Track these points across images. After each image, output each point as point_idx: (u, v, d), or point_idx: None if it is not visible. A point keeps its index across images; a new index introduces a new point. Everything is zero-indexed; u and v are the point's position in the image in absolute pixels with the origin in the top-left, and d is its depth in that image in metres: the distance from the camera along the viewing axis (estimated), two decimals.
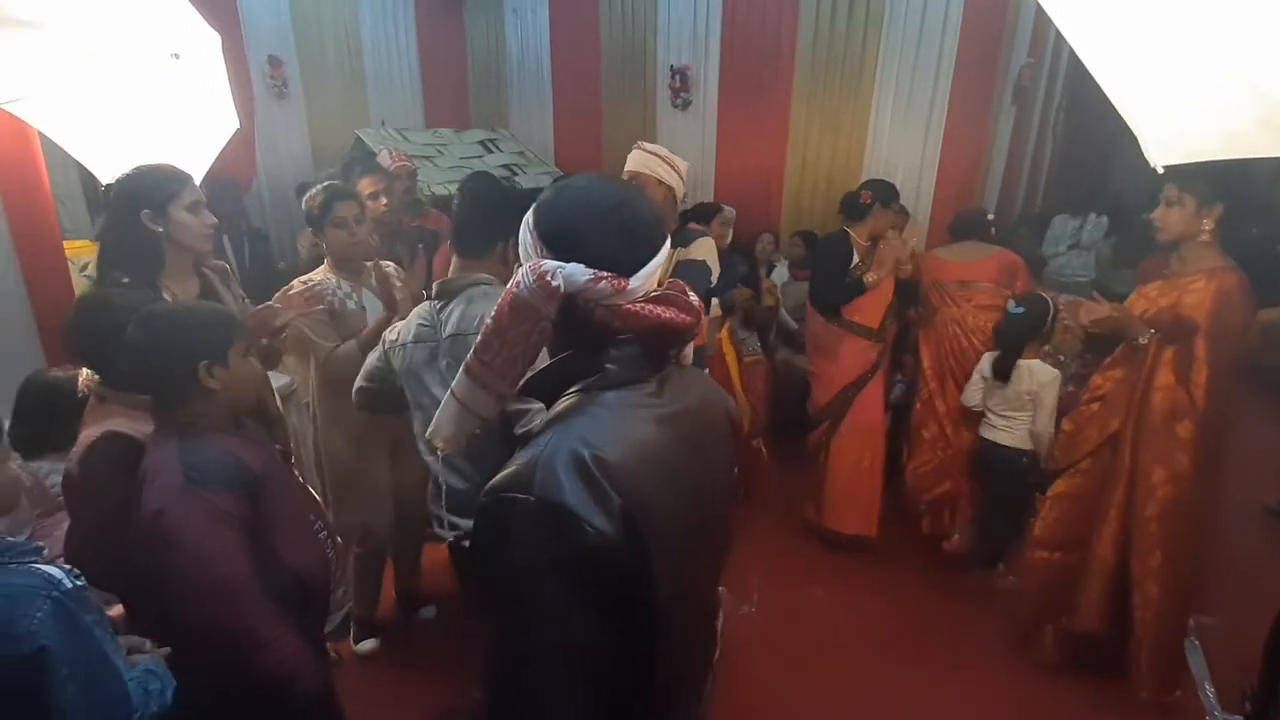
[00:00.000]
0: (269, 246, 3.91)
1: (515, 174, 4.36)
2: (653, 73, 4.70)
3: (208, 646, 1.05)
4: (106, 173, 1.86)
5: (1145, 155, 0.93)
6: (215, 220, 1.67)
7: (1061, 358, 3.15)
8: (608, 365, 0.75)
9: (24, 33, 1.65)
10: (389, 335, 1.56)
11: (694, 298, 0.78)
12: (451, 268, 1.52)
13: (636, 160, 2.06)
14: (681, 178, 2.09)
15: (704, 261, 2.09)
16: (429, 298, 1.86)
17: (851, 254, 2.72)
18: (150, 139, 1.88)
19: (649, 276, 0.76)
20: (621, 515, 0.65)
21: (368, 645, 2.27)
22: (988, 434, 2.60)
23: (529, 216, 0.76)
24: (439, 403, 1.40)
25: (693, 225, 2.24)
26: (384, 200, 2.49)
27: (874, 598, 2.59)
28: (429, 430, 0.81)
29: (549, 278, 0.68)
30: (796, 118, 4.27)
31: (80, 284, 2.25)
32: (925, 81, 3.77)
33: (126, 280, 1.53)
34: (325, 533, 1.35)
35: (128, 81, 1.77)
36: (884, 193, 2.76)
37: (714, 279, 2.13)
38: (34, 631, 0.84)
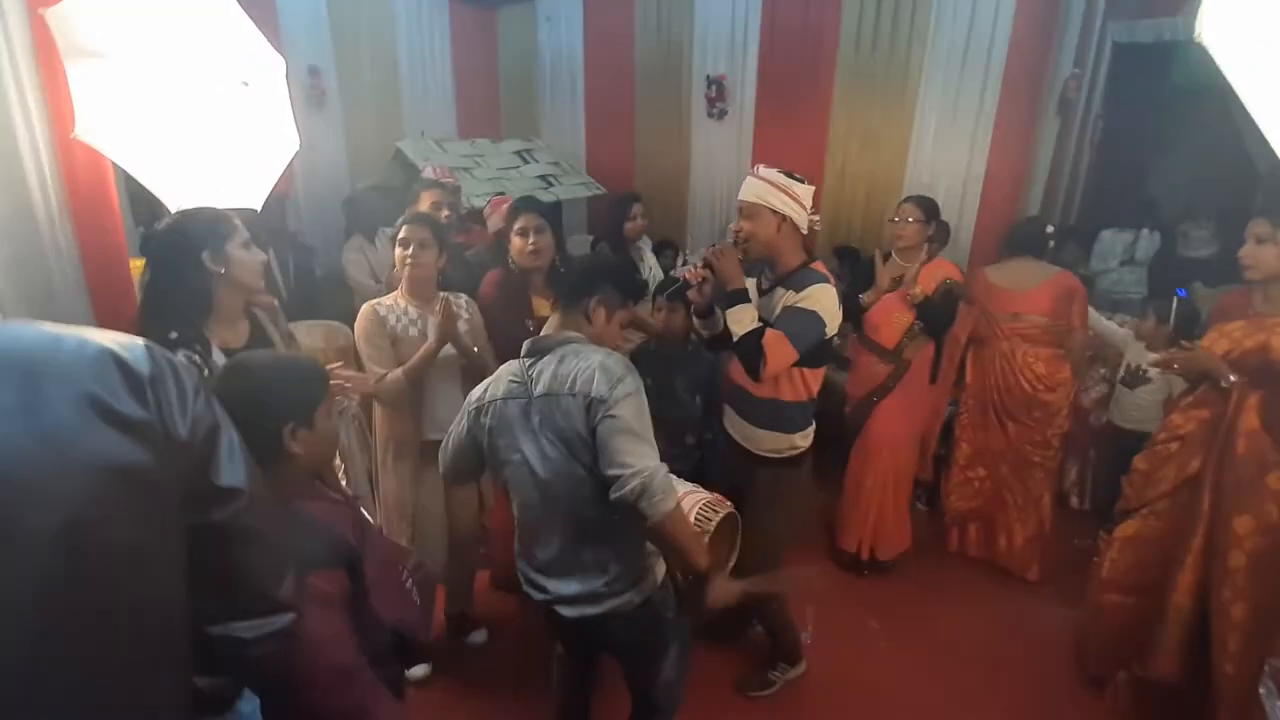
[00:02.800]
0: (312, 257, 3.92)
1: (551, 184, 4.35)
2: (688, 82, 4.66)
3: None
4: (175, 200, 1.86)
5: None
6: (265, 257, 1.65)
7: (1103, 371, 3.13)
8: None
9: (95, 63, 1.65)
10: (473, 395, 1.54)
11: None
12: (549, 323, 1.53)
13: (747, 188, 1.85)
14: (803, 206, 1.83)
15: (813, 313, 1.77)
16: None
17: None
18: (218, 165, 1.87)
19: None
20: None
21: (420, 670, 2.26)
22: None
23: None
24: (527, 459, 1.43)
25: (816, 265, 1.88)
26: (446, 212, 2.50)
27: (930, 628, 2.54)
28: None
29: None
30: (835, 130, 4.22)
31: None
32: (971, 92, 3.72)
33: (174, 335, 1.46)
34: (410, 580, 1.34)
35: (199, 110, 1.76)
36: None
37: (829, 332, 1.83)
38: None
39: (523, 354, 1.50)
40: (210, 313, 1.56)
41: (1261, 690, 1.98)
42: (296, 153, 2.16)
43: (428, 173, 3.09)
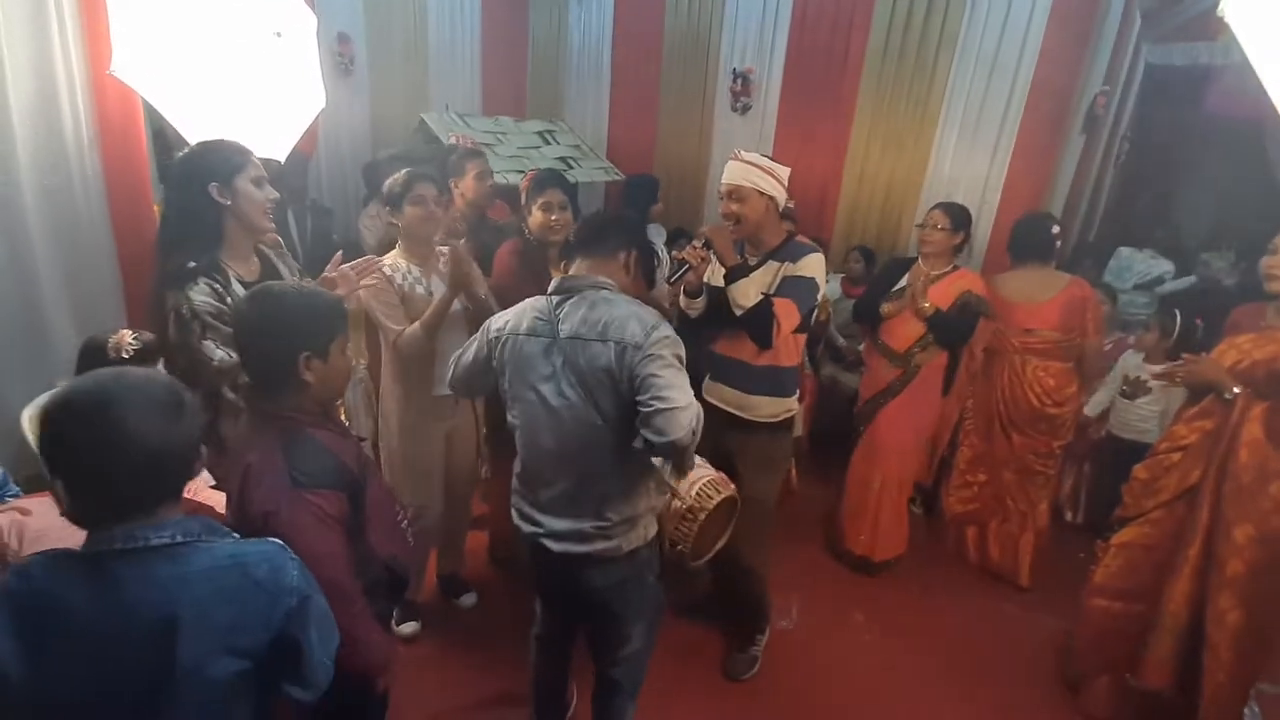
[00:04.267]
0: (330, 220, 3.96)
1: (571, 167, 4.36)
2: (714, 74, 4.65)
3: None
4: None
5: None
6: (277, 195, 1.64)
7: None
8: None
9: (136, 1, 1.68)
10: (495, 323, 1.53)
11: None
12: (577, 266, 1.52)
13: (734, 172, 1.93)
14: (784, 185, 1.95)
15: (812, 279, 1.92)
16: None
17: (899, 278, 2.71)
18: (246, 110, 1.90)
19: None
20: None
21: (410, 628, 2.29)
22: None
23: None
24: (543, 399, 1.44)
25: (800, 238, 2.03)
26: (490, 182, 2.58)
27: (917, 627, 2.54)
28: None
29: None
30: (858, 131, 4.20)
31: None
32: (997, 102, 3.69)
33: (193, 264, 1.48)
34: (405, 520, 1.36)
35: (232, 54, 1.79)
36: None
37: (820, 296, 1.99)
38: (296, 586, 0.92)
39: (550, 291, 1.49)
40: (222, 244, 1.56)
41: (1246, 712, 1.98)
42: (320, 117, 2.17)
43: (454, 142, 3.12)
